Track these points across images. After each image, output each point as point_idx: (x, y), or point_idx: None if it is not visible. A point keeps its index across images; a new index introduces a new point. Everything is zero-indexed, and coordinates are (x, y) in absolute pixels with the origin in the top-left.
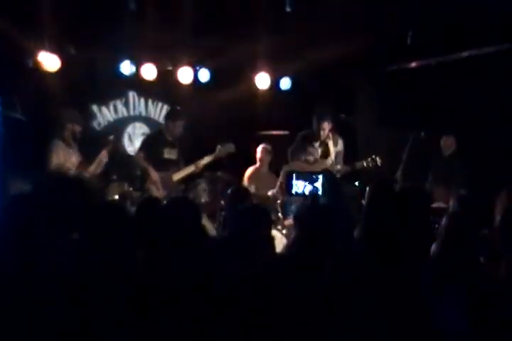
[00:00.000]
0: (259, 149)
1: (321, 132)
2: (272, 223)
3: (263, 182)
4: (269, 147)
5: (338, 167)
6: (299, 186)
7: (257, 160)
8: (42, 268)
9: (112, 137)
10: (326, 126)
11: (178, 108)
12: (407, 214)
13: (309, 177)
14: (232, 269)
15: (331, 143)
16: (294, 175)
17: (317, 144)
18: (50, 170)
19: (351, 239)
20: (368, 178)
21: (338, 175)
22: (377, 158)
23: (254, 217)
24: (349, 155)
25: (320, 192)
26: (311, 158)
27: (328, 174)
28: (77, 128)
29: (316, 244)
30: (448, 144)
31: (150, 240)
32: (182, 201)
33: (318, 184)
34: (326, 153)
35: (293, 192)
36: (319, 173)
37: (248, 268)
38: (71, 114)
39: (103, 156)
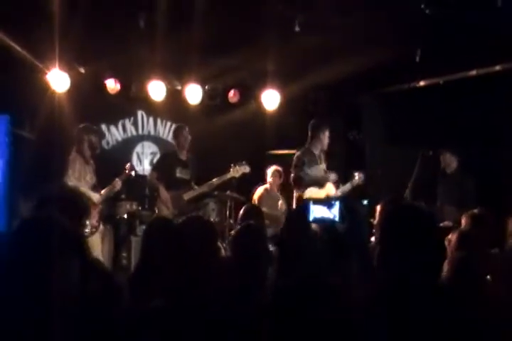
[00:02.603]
0: (271, 171)
1: (325, 141)
2: (265, 241)
3: (272, 203)
4: (280, 169)
5: (332, 175)
6: (317, 212)
7: (267, 181)
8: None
9: (128, 165)
10: (327, 134)
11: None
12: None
13: (326, 203)
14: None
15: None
16: (311, 201)
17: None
18: (65, 187)
19: (370, 264)
20: (377, 197)
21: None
22: (356, 174)
23: (248, 235)
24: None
25: (337, 218)
26: (319, 180)
27: (345, 199)
28: (94, 139)
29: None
30: (447, 162)
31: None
32: (200, 220)
33: (335, 210)
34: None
35: (310, 218)
36: (336, 199)
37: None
38: (87, 127)
39: (117, 184)
